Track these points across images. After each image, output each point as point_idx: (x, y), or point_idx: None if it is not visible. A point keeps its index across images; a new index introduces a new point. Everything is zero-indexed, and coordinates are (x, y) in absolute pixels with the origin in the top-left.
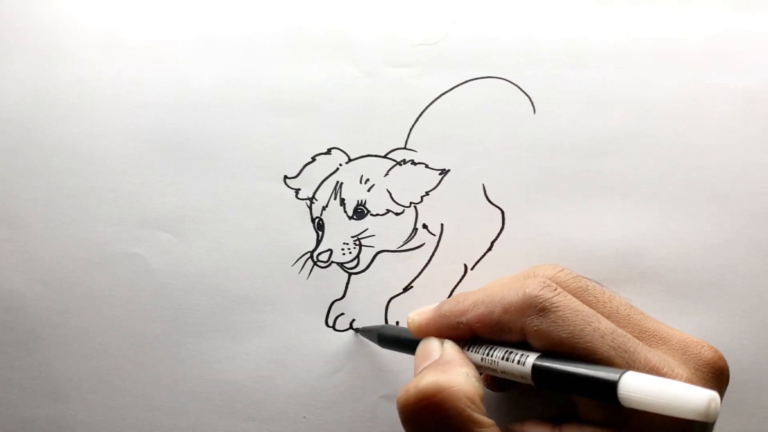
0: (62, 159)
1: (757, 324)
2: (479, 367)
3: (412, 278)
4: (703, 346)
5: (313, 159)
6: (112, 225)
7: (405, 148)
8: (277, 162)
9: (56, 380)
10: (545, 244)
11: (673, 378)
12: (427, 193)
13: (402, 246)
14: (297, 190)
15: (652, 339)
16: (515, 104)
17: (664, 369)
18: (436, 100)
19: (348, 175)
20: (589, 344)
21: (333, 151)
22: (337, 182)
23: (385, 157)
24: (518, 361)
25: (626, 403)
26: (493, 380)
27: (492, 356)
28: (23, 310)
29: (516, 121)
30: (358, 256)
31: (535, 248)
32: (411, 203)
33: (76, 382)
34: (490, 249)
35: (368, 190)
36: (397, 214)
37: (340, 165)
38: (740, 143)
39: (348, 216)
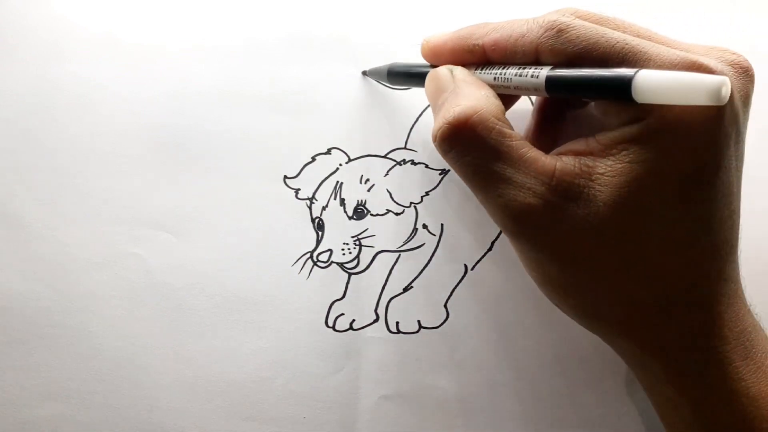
0: (62, 159)
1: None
2: (492, 87)
3: (412, 278)
4: (725, 51)
5: (313, 159)
6: (112, 225)
7: (405, 148)
8: (277, 162)
9: (56, 380)
10: None
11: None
12: (427, 193)
13: (402, 246)
14: (297, 190)
15: (673, 45)
16: (515, 104)
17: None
18: None
19: (348, 175)
20: (603, 53)
21: (333, 151)
22: (337, 182)
23: (385, 157)
24: (532, 75)
25: (640, 99)
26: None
27: (506, 74)
28: (23, 310)
29: (515, 121)
30: (358, 256)
31: None
32: (411, 203)
33: (76, 382)
34: (490, 249)
35: (368, 190)
36: (397, 214)
37: (340, 165)
38: None
39: (348, 216)
